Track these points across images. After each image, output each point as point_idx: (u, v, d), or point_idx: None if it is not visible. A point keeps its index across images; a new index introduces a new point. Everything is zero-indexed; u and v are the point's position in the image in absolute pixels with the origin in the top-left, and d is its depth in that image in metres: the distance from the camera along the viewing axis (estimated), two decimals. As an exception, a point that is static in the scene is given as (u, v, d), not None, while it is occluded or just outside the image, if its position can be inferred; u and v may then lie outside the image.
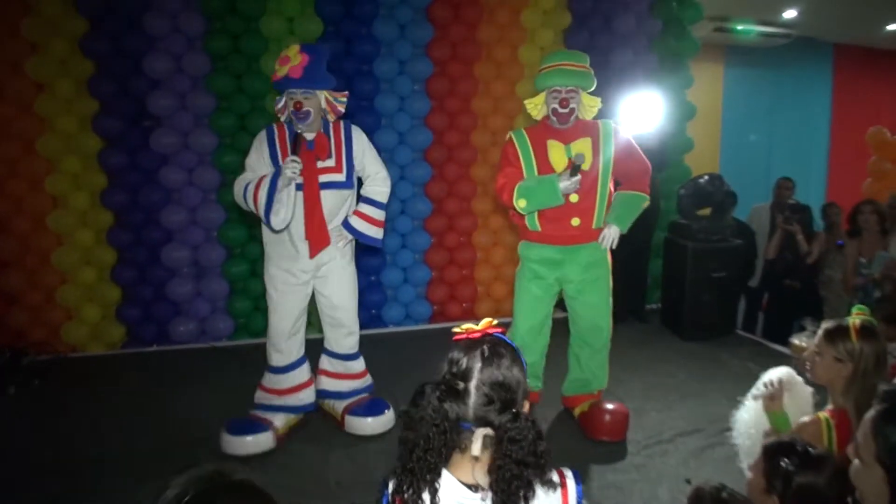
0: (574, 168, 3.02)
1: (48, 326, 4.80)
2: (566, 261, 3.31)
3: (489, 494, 1.26)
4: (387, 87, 5.19)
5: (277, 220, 3.04)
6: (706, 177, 5.15)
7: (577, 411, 3.52)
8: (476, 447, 1.24)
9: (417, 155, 5.34)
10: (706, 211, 5.24)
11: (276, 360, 3.37)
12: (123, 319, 4.93)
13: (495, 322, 1.36)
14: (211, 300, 5.01)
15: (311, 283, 3.36)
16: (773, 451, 1.70)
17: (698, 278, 4.93)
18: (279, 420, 3.31)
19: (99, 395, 3.98)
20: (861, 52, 8.80)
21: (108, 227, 4.86)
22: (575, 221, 3.22)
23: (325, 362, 3.56)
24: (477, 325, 1.35)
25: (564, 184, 3.01)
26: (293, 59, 3.02)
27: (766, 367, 4.26)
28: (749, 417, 2.50)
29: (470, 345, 1.30)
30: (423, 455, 1.25)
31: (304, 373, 3.46)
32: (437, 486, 1.26)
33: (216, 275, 5.01)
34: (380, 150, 5.16)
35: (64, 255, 4.75)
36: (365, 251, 5.27)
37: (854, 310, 2.20)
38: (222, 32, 4.86)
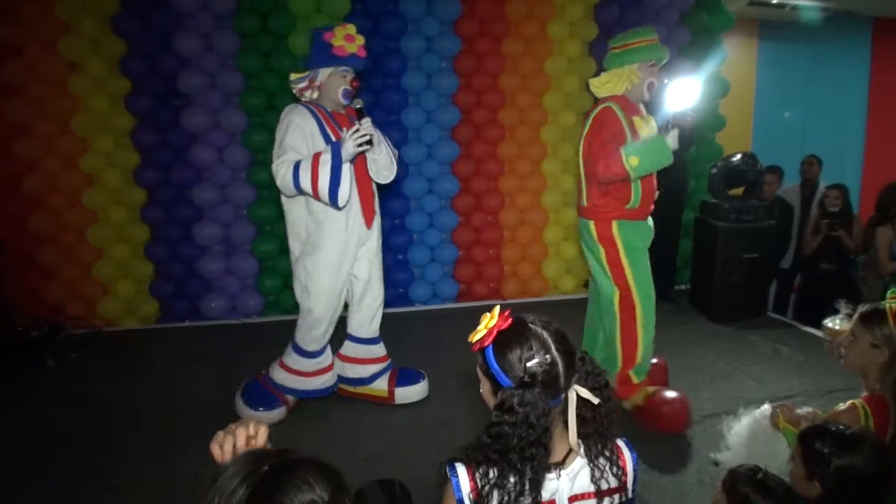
0: (666, 123, 3.09)
1: (84, 301, 4.92)
2: (649, 234, 3.32)
3: (563, 470, 1.32)
4: (414, 64, 5.16)
5: (343, 196, 2.97)
6: (739, 155, 5.05)
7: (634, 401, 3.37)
8: (573, 408, 1.28)
9: (445, 133, 5.32)
10: (738, 191, 5.15)
11: (314, 345, 3.35)
12: (156, 295, 5.04)
13: (496, 310, 1.34)
14: (241, 277, 5.09)
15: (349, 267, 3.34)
16: (810, 437, 1.69)
17: (729, 259, 4.87)
18: (293, 399, 3.42)
19: (133, 369, 4.09)
20: (902, 27, 8.50)
21: (140, 205, 4.94)
22: (655, 195, 3.26)
23: (349, 349, 3.53)
24: (489, 319, 1.33)
25: (672, 139, 3.04)
26: (358, 39, 3.04)
27: (797, 350, 4.26)
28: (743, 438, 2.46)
29: (518, 332, 1.29)
30: (528, 447, 1.24)
31: (328, 356, 3.47)
32: (543, 476, 1.29)
33: (246, 252, 5.08)
34: (407, 129, 5.23)
35: (99, 232, 4.86)
36: (392, 231, 5.30)
37: (889, 293, 2.16)
38: (251, 11, 4.87)
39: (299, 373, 3.38)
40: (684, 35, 5.69)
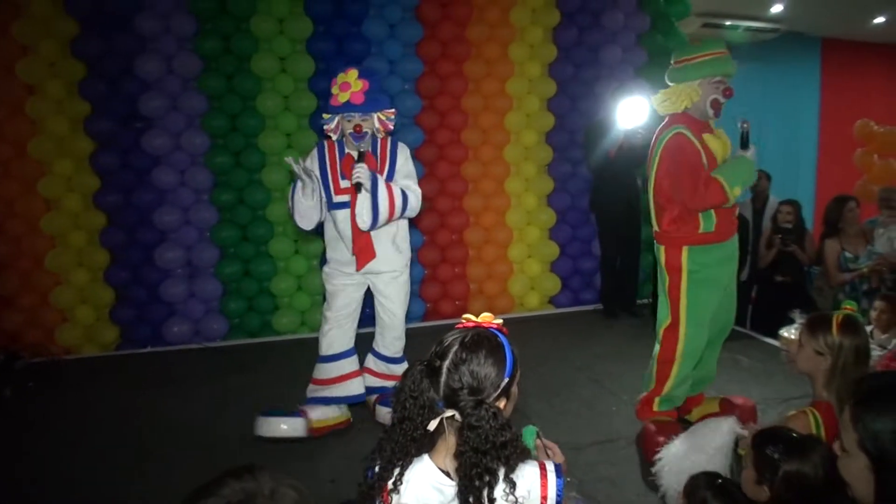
0: (745, 139, 2.93)
1: (42, 329, 4.80)
2: (732, 255, 3.14)
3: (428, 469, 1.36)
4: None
5: (299, 220, 3.20)
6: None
7: (695, 414, 3.33)
8: (433, 424, 1.30)
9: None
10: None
11: (324, 348, 3.45)
12: (117, 321, 4.94)
13: (497, 319, 1.42)
14: (204, 301, 5.02)
15: (366, 283, 3.46)
16: (761, 441, 1.73)
17: (689, 273, 4.96)
18: (316, 413, 3.38)
19: (94, 397, 4.00)
20: (849, 46, 8.85)
21: (100, 229, 4.86)
22: (737, 211, 3.12)
23: (370, 361, 3.65)
24: (489, 317, 1.42)
25: (752, 154, 2.89)
26: (354, 86, 3.09)
27: (756, 360, 4.36)
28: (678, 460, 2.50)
29: (460, 331, 1.38)
30: (399, 423, 1.32)
31: (351, 364, 3.51)
32: (411, 459, 1.33)
33: (209, 275, 5.02)
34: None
35: (57, 257, 4.76)
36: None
37: (844, 304, 2.25)
38: (213, 33, 4.88)
39: (322, 381, 3.45)
40: (641, 56, 5.86)
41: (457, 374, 1.31)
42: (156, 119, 4.79)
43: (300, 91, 5.03)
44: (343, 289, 3.42)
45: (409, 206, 3.27)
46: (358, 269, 3.32)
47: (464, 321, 1.41)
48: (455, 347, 1.33)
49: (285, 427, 3.27)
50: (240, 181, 5.02)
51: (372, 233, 3.26)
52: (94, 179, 4.81)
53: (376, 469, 1.36)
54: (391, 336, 3.57)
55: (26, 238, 4.71)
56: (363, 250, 3.29)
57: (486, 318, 1.41)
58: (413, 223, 5.37)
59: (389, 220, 3.22)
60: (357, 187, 3.08)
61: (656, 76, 5.72)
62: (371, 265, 3.33)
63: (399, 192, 3.21)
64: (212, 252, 5.00)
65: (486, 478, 1.25)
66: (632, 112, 4.82)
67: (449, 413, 1.30)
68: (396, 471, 1.32)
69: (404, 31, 5.22)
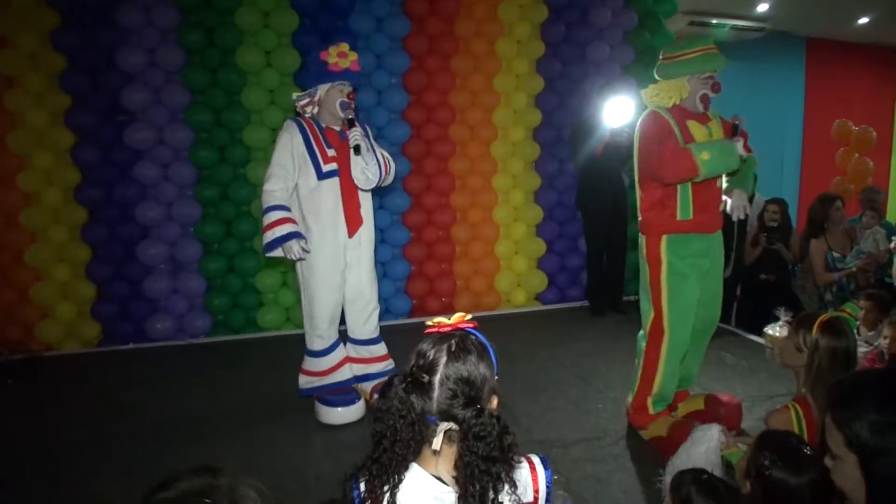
0: (735, 129, 2.83)
1: (22, 325, 4.73)
2: (710, 250, 3.11)
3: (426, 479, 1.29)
4: (364, 80, 5.16)
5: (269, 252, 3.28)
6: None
7: (681, 410, 3.32)
8: (437, 441, 1.24)
9: (395, 149, 5.32)
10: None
11: (318, 344, 3.52)
12: (99, 317, 4.87)
13: (468, 317, 1.37)
14: (188, 297, 4.97)
15: (342, 282, 3.49)
16: (763, 440, 1.74)
17: (675, 270, 4.97)
18: (364, 385, 3.61)
19: (74, 394, 3.94)
20: (833, 46, 8.92)
21: (81, 224, 4.79)
22: (721, 206, 3.06)
23: (350, 350, 3.68)
24: (449, 319, 1.35)
25: (739, 146, 2.76)
26: (350, 55, 3.29)
27: (740, 357, 4.38)
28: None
29: (438, 339, 1.30)
30: (391, 447, 1.25)
31: (341, 352, 3.62)
32: (402, 477, 1.26)
33: (193, 271, 4.97)
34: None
35: (37, 253, 4.69)
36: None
37: (845, 307, 2.28)
38: (197, 26, 4.81)
39: (316, 373, 3.55)
40: (628, 53, 5.86)
41: (452, 386, 1.24)
42: (138, 112, 4.72)
43: (286, 85, 4.98)
44: (331, 279, 3.42)
45: (391, 168, 3.46)
46: (350, 236, 3.41)
47: (435, 325, 1.34)
48: (444, 359, 1.26)
49: (348, 412, 3.41)
50: (224, 176, 4.96)
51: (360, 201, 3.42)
52: (75, 173, 4.74)
53: (361, 489, 1.30)
54: (363, 319, 3.60)
55: (5, 232, 4.64)
56: (353, 216, 3.40)
57: (458, 318, 1.36)
58: (399, 219, 5.39)
59: (385, 177, 3.41)
60: (356, 149, 3.22)
61: (643, 74, 5.78)
62: (353, 241, 3.43)
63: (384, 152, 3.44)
64: (195, 248, 4.94)
65: (496, 484, 1.23)
66: (618, 110, 4.83)
67: (447, 426, 1.25)
68: (387, 487, 1.26)
69: (391, 25, 5.19)
